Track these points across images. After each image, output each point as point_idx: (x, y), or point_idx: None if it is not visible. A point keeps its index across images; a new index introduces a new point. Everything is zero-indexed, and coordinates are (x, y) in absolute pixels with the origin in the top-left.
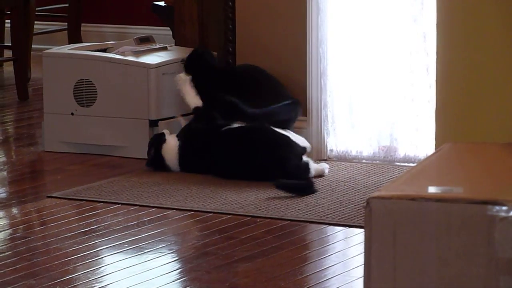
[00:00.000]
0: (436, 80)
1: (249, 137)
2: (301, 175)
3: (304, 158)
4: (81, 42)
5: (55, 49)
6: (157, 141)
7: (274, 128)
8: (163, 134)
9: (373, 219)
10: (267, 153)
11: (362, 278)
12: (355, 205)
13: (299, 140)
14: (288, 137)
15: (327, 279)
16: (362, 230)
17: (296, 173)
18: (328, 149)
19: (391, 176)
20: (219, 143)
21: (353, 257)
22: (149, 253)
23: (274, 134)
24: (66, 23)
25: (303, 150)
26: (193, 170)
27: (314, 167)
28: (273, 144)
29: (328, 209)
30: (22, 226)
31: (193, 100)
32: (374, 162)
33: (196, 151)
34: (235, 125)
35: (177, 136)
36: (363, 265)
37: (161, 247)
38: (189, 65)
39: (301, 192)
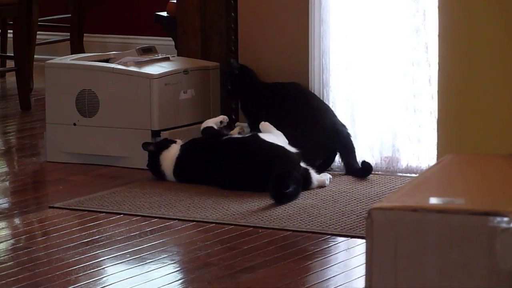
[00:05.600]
0: (438, 91)
1: (245, 148)
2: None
3: (303, 165)
4: (83, 52)
5: (58, 60)
6: (161, 145)
7: (263, 137)
8: (170, 141)
9: (375, 230)
10: (266, 165)
11: None
12: (357, 216)
13: (285, 143)
14: (283, 147)
15: None
16: (364, 240)
17: (297, 186)
18: None
19: (393, 186)
20: (217, 153)
21: (355, 267)
22: (151, 263)
23: (269, 145)
24: (69, 34)
25: (298, 157)
26: (187, 180)
27: (316, 177)
28: (270, 156)
29: (330, 220)
30: (24, 236)
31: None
32: (376, 172)
33: (192, 161)
34: (236, 135)
35: (181, 146)
36: (365, 276)
37: (163, 257)
38: (234, 90)
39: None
